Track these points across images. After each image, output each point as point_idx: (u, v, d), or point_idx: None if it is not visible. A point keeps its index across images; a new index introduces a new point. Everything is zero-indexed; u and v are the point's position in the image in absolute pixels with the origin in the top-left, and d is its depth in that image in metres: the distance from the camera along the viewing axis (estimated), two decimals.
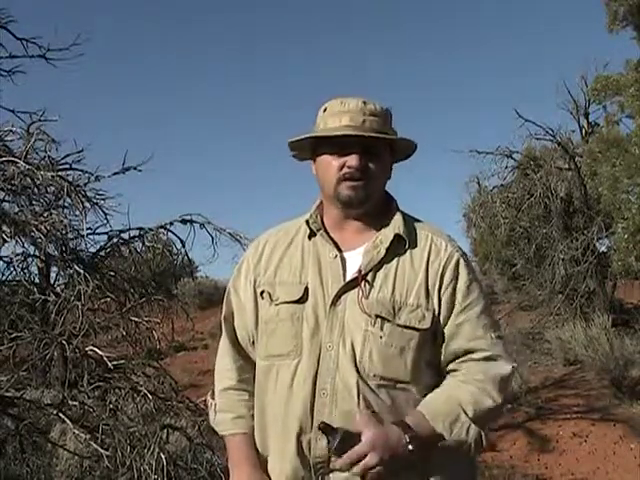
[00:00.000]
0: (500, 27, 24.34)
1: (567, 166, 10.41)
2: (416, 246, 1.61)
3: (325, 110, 1.64)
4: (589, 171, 9.69)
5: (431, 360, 1.59)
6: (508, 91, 22.01)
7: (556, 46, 22.76)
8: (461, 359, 1.58)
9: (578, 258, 9.93)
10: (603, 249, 10.59)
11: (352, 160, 1.58)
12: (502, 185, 10.78)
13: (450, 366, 1.59)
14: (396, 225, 1.62)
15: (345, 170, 1.59)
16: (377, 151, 1.60)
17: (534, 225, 10.65)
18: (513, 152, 10.55)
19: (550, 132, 10.42)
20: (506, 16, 23.75)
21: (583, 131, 11.43)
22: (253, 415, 1.67)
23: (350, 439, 1.43)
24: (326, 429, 1.43)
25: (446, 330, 1.57)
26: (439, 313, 1.57)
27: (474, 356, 1.58)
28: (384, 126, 1.61)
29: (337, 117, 1.60)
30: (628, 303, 11.32)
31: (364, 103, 1.61)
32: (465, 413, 1.51)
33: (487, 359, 1.57)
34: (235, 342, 1.73)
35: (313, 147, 1.66)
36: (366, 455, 1.42)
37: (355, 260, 1.60)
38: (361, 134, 1.57)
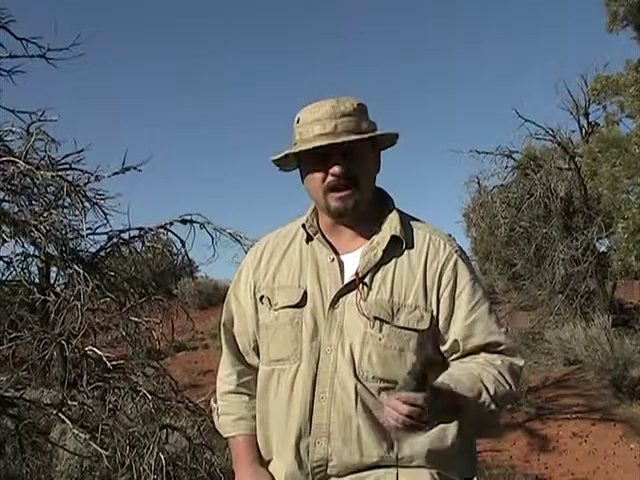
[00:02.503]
0: (500, 27, 24.31)
1: (567, 166, 10.41)
2: (413, 246, 1.60)
3: (298, 120, 1.61)
4: (589, 171, 9.67)
5: (430, 360, 1.58)
6: (508, 91, 21.97)
7: (556, 46, 22.73)
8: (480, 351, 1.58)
9: (578, 258, 9.92)
10: (603, 249, 10.61)
11: (334, 169, 1.55)
12: (502, 185, 10.77)
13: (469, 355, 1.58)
14: (392, 226, 1.60)
15: (329, 179, 1.56)
16: (358, 151, 1.57)
17: (534, 225, 10.65)
18: (513, 152, 10.56)
19: (550, 132, 10.43)
20: (506, 16, 23.73)
21: (583, 131, 11.42)
22: (254, 416, 1.68)
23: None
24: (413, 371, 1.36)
25: (459, 332, 1.56)
26: (438, 313, 1.56)
27: (493, 349, 1.58)
28: (359, 124, 1.57)
29: (309, 127, 1.56)
30: (628, 303, 11.32)
31: (333, 107, 1.56)
32: (487, 391, 1.50)
33: (504, 352, 1.58)
34: (234, 349, 1.73)
35: (296, 159, 1.64)
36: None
37: (352, 263, 1.59)
38: (333, 142, 1.53)
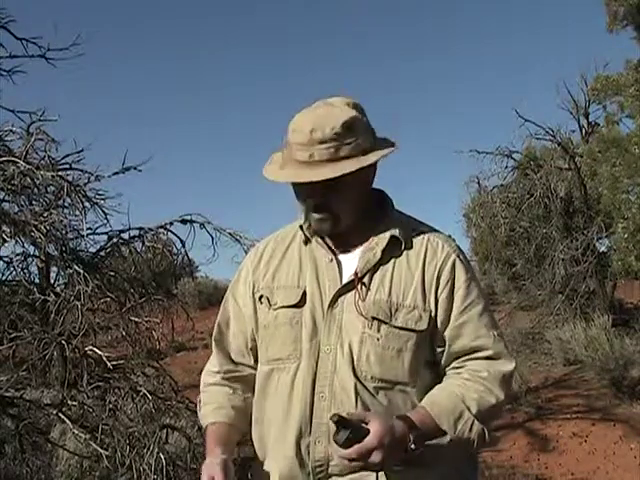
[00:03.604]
0: (500, 27, 24.30)
1: (567, 166, 10.40)
2: (412, 247, 1.60)
3: (288, 132, 1.58)
4: (589, 171, 9.69)
5: (429, 361, 1.58)
6: (508, 91, 21.97)
7: (556, 46, 22.71)
8: (465, 357, 1.57)
9: (578, 258, 9.92)
10: (603, 249, 10.60)
11: (309, 203, 1.56)
12: (502, 185, 10.76)
13: (453, 364, 1.59)
14: (391, 226, 1.60)
15: (308, 203, 1.57)
16: (336, 180, 1.51)
17: (534, 225, 10.64)
18: (513, 152, 10.54)
19: (550, 132, 10.41)
20: (506, 16, 23.72)
21: (583, 131, 11.42)
22: (234, 406, 1.66)
23: (358, 432, 1.40)
24: (339, 422, 1.39)
25: (447, 332, 1.56)
26: (436, 314, 1.56)
27: (478, 355, 1.57)
28: (338, 150, 1.51)
29: (293, 147, 1.54)
30: (628, 303, 11.31)
31: (311, 132, 1.51)
32: (469, 410, 1.51)
33: (490, 357, 1.57)
34: (224, 349, 1.73)
35: None
36: (371, 451, 1.39)
37: (351, 263, 1.59)
38: (296, 180, 1.53)
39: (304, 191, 1.56)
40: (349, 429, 1.38)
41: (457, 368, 1.58)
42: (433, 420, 1.48)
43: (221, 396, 1.70)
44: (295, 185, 1.58)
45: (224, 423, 1.66)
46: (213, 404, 1.70)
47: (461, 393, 1.52)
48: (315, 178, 1.49)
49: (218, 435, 1.64)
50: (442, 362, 1.59)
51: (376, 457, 1.39)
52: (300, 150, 1.52)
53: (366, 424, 1.41)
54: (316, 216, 1.57)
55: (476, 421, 1.51)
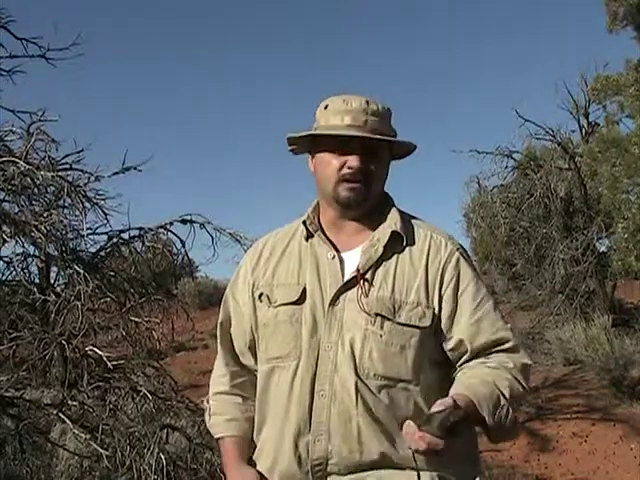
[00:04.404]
0: (500, 27, 24.32)
1: (567, 166, 10.40)
2: (414, 243, 1.60)
3: (327, 107, 1.62)
4: (589, 171, 9.68)
5: (432, 358, 1.58)
6: (508, 91, 21.98)
7: (556, 46, 22.74)
8: (487, 352, 1.57)
9: (578, 258, 9.92)
10: (603, 249, 10.60)
11: (353, 161, 1.56)
12: (502, 185, 10.76)
13: (475, 360, 1.57)
14: (393, 222, 1.60)
15: (345, 170, 1.57)
16: (378, 152, 1.59)
17: (534, 225, 10.64)
18: (513, 152, 10.55)
19: (550, 132, 10.42)
20: (506, 16, 23.73)
21: (583, 131, 11.42)
22: (247, 418, 1.67)
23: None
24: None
25: (465, 330, 1.55)
26: (440, 311, 1.56)
27: (499, 347, 1.57)
28: (385, 126, 1.60)
29: (339, 115, 1.58)
30: (628, 303, 11.31)
31: (367, 103, 1.58)
32: (503, 396, 1.49)
33: (512, 349, 1.58)
34: (230, 349, 1.73)
35: (312, 143, 1.65)
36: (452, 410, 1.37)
37: (353, 260, 1.59)
38: (365, 135, 1.55)
39: (346, 154, 1.57)
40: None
41: (483, 357, 1.57)
42: (474, 406, 1.45)
43: (232, 407, 1.71)
44: (336, 150, 1.58)
45: (240, 437, 1.67)
46: (225, 415, 1.71)
47: (493, 380, 1.51)
48: (376, 135, 1.56)
49: (239, 450, 1.66)
50: (460, 360, 1.58)
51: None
52: (354, 115, 1.57)
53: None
54: (351, 185, 1.57)
55: (510, 408, 1.49)
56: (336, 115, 1.59)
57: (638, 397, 7.32)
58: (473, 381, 1.51)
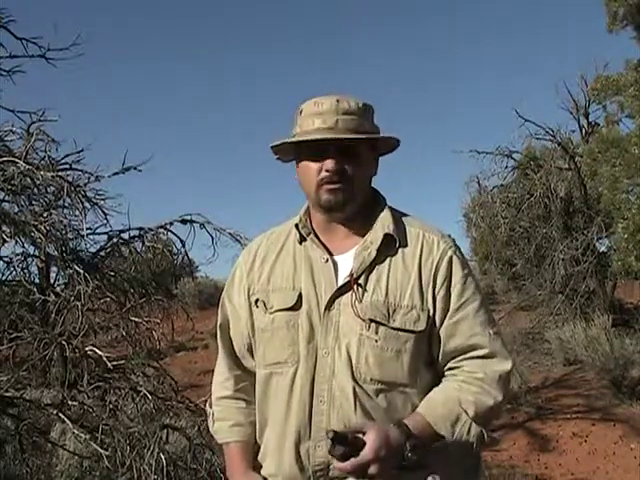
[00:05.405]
0: (500, 27, 24.34)
1: (567, 166, 10.41)
2: (407, 245, 1.58)
3: (302, 112, 1.60)
4: (589, 171, 9.68)
5: (428, 361, 1.57)
6: (508, 91, 22.00)
7: (556, 46, 22.76)
8: (460, 357, 1.56)
9: (578, 258, 9.92)
10: (603, 249, 10.60)
11: (328, 164, 1.54)
12: (502, 185, 10.77)
13: (449, 364, 1.57)
14: (385, 224, 1.59)
15: (323, 174, 1.55)
16: (355, 151, 1.56)
17: (534, 225, 10.64)
18: (513, 152, 10.56)
19: (550, 132, 10.43)
20: (506, 16, 23.75)
21: (583, 131, 11.43)
22: (251, 422, 1.67)
23: (354, 445, 1.39)
24: (335, 437, 1.38)
25: (443, 329, 1.55)
26: (434, 312, 1.55)
27: (474, 354, 1.55)
28: (361, 124, 1.56)
29: (310, 119, 1.56)
30: (628, 303, 11.31)
31: (337, 102, 1.55)
32: (466, 413, 1.50)
33: (486, 356, 1.55)
34: (231, 352, 1.72)
35: (294, 151, 1.64)
36: (368, 465, 1.38)
37: (347, 263, 1.57)
38: (332, 137, 1.52)
39: (323, 157, 1.55)
40: (345, 444, 1.38)
41: (453, 369, 1.57)
42: (430, 425, 1.48)
43: (236, 412, 1.70)
44: (312, 154, 1.56)
45: (245, 442, 1.67)
46: (229, 421, 1.70)
47: (457, 396, 1.51)
48: (346, 136, 1.53)
49: (244, 455, 1.66)
50: (439, 361, 1.58)
51: (373, 470, 1.39)
52: (324, 117, 1.54)
53: (363, 434, 1.40)
54: (330, 187, 1.55)
55: (474, 424, 1.50)
56: (308, 119, 1.57)
57: (638, 397, 7.32)
58: (436, 397, 1.53)
